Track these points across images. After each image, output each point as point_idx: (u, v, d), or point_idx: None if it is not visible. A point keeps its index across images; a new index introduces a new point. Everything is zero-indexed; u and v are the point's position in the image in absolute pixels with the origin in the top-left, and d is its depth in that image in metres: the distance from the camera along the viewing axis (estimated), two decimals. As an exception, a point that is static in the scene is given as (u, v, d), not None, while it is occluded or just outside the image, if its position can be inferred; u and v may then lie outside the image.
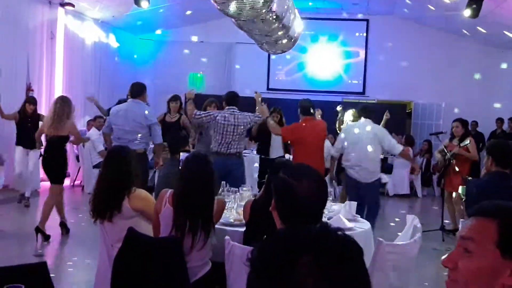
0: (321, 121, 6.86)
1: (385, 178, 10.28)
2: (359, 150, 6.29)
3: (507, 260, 1.24)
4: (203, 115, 6.26)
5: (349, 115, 7.61)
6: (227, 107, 6.33)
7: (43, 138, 6.88)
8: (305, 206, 1.94)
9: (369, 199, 6.19)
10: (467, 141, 7.13)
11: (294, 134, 6.43)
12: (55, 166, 6.47)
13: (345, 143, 6.42)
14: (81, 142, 6.21)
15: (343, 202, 4.97)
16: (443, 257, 1.38)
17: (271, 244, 0.97)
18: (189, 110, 6.44)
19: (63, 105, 6.43)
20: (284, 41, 7.61)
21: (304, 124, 6.39)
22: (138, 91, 6.46)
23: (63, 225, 6.60)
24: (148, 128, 6.30)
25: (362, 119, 6.50)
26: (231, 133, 6.15)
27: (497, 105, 13.01)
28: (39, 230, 6.17)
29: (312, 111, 6.52)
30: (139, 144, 6.20)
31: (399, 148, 6.46)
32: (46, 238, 6.20)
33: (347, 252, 0.94)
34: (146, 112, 6.35)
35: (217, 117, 6.17)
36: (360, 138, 6.31)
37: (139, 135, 6.26)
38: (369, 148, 6.26)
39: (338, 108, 8.54)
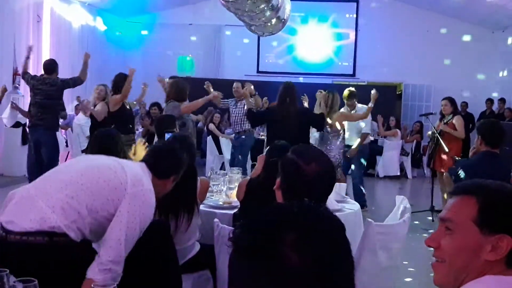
0: None
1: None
2: None
3: (487, 236, 1.26)
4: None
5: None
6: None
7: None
8: (310, 188, 1.93)
9: None
10: (449, 117, 7.11)
11: None
12: None
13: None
14: None
15: None
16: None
17: (253, 222, 0.96)
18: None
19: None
20: (273, 22, 7.53)
21: None
22: None
23: None
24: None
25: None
26: None
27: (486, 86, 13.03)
28: None
29: None
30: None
31: None
32: None
33: (329, 228, 0.95)
34: None
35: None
36: None
37: None
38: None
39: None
